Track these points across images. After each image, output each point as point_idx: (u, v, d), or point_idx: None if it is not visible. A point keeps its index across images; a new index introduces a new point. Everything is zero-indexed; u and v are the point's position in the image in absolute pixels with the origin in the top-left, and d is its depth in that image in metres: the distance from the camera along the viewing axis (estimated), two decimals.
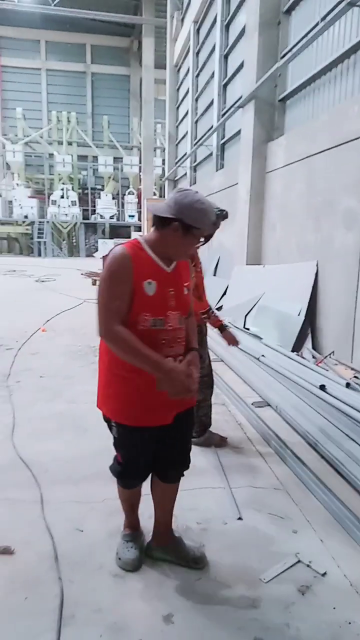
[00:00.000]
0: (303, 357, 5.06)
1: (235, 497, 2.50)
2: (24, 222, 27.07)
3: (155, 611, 1.73)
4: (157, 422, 1.78)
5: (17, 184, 28.10)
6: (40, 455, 2.92)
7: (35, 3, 23.05)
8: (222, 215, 2.64)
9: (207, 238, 1.76)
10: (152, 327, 1.67)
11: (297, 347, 5.34)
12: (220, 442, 3.13)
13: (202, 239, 1.77)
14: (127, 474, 1.90)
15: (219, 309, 8.18)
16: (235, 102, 8.59)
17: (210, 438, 3.14)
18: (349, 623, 1.71)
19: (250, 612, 1.75)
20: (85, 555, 2.00)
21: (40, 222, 26.93)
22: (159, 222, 1.67)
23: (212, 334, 3.35)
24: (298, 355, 5.14)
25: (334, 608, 1.78)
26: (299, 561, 2.02)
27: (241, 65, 8.80)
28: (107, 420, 1.86)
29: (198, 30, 13.75)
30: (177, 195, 1.65)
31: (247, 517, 2.34)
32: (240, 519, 2.32)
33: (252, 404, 3.85)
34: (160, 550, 2.00)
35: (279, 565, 1.99)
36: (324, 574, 1.95)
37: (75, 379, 4.52)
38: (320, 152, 5.44)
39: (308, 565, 1.99)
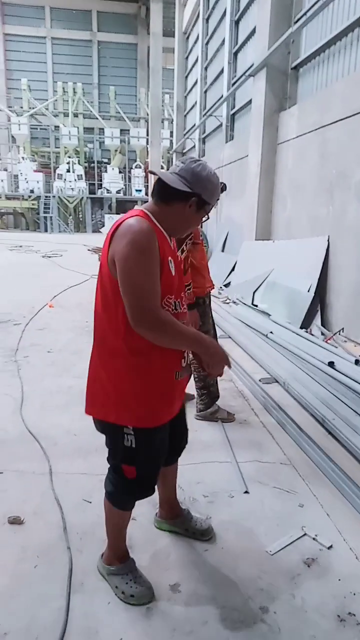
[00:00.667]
0: (312, 334, 5.03)
1: (242, 471, 2.51)
2: (29, 196, 26.81)
3: (162, 580, 1.76)
4: (175, 413, 1.66)
5: (23, 158, 27.73)
6: (49, 428, 2.95)
7: None
8: (223, 188, 2.59)
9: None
10: (174, 312, 1.51)
11: (306, 323, 5.30)
12: (227, 418, 3.14)
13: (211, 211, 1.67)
14: (142, 488, 1.65)
15: (227, 285, 8.12)
16: (247, 71, 8.32)
17: (218, 412, 3.15)
18: (354, 594, 1.73)
19: (256, 582, 1.77)
20: (93, 526, 2.02)
21: (46, 196, 26.67)
22: (169, 194, 1.48)
23: (221, 310, 3.31)
24: (307, 332, 5.10)
25: (339, 580, 1.80)
26: (305, 534, 2.04)
27: (253, 32, 8.48)
28: (113, 429, 1.58)
29: None
30: (194, 167, 1.48)
31: (254, 490, 2.36)
32: (246, 492, 2.34)
33: (260, 380, 3.84)
34: (168, 522, 2.02)
35: (285, 538, 2.01)
36: (329, 547, 1.96)
37: (83, 354, 4.53)
38: (335, 122, 5.27)
39: (314, 539, 2.01)
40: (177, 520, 2.01)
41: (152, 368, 1.50)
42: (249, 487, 2.38)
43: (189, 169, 1.48)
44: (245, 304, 6.40)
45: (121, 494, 1.65)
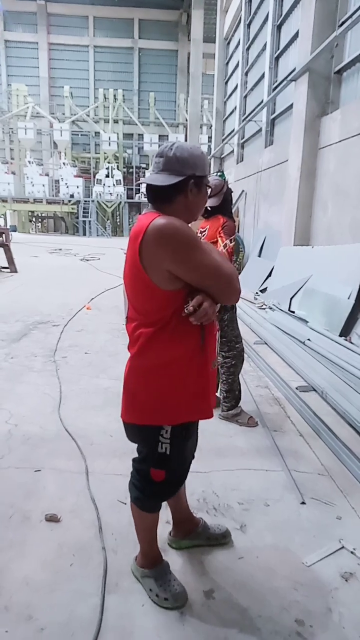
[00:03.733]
0: (352, 342, 4.90)
1: (278, 479, 2.47)
2: (69, 201, 27.49)
3: (196, 586, 1.75)
4: (213, 406, 1.62)
5: (64, 163, 28.49)
6: (86, 428, 3.00)
7: None
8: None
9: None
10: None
11: (345, 331, 5.17)
12: (248, 423, 3.10)
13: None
14: (169, 490, 1.65)
15: (263, 290, 8.04)
16: (288, 75, 8.23)
17: (240, 415, 3.12)
18: None
19: (292, 594, 1.74)
20: (128, 527, 2.03)
21: (85, 201, 27.29)
22: (167, 194, 1.43)
23: (256, 316, 3.29)
24: (346, 340, 4.98)
25: None
26: (342, 547, 1.99)
27: (295, 36, 8.40)
28: (149, 432, 1.56)
29: (250, 0, 13.20)
30: (173, 152, 1.41)
31: (289, 500, 2.31)
32: (303, 503, 2.29)
33: (297, 388, 3.77)
34: (187, 539, 1.95)
35: (322, 550, 1.96)
36: None
37: (119, 356, 4.59)
38: None
39: (352, 552, 1.95)
40: (195, 533, 1.95)
41: (192, 362, 1.50)
42: (285, 496, 2.33)
43: (170, 157, 1.41)
44: (281, 310, 6.31)
45: (148, 497, 1.65)
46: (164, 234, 1.33)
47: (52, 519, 2.10)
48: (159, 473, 1.59)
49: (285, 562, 1.90)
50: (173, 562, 1.84)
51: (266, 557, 1.91)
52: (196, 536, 1.95)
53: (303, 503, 2.28)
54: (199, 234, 2.95)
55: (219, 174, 3.00)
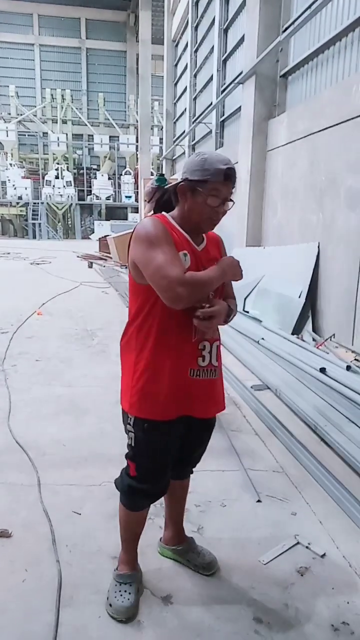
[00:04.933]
0: (303, 340, 5.04)
1: (234, 479, 2.49)
2: (17, 203, 26.70)
3: (154, 592, 1.73)
4: (184, 413, 1.58)
5: (11, 164, 27.65)
6: (37, 438, 2.89)
7: None
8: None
9: (225, 198, 1.49)
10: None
11: (297, 330, 5.31)
12: None
13: (219, 199, 1.48)
14: (140, 488, 1.63)
15: None
16: (235, 78, 8.38)
17: None
18: (348, 603, 1.71)
19: (249, 593, 1.75)
20: (83, 538, 1.98)
21: (34, 203, 26.61)
22: (175, 196, 1.56)
23: None
24: (298, 338, 5.11)
25: (333, 588, 1.78)
26: (298, 543, 2.02)
27: (242, 40, 8.56)
28: (124, 419, 1.63)
29: (197, 3, 13.35)
30: (188, 160, 1.52)
31: (246, 499, 2.33)
32: (259, 501, 2.30)
33: (252, 387, 3.83)
34: (171, 550, 1.92)
35: (278, 547, 1.99)
36: (323, 556, 1.94)
37: (72, 362, 4.49)
38: (324, 129, 5.32)
39: (307, 547, 1.99)
40: (180, 548, 1.90)
41: (163, 363, 1.52)
42: (241, 495, 2.35)
43: (185, 164, 1.52)
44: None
45: (123, 490, 1.67)
46: (135, 229, 1.50)
47: (3, 534, 2.01)
48: (131, 465, 1.62)
49: (242, 561, 1.91)
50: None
51: (224, 558, 1.91)
52: (178, 552, 1.90)
53: (259, 501, 2.31)
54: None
55: (156, 179, 2.85)
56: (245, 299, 6.58)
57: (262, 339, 4.98)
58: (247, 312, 6.26)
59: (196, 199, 1.47)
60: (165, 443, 1.59)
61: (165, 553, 1.93)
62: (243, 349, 4.83)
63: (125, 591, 1.67)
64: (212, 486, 2.42)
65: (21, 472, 2.50)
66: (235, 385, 3.92)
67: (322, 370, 3.84)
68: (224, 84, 10.42)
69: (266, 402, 3.48)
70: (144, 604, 1.68)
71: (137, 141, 26.69)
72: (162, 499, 1.81)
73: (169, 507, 1.91)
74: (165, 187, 1.65)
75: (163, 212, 1.58)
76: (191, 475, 1.90)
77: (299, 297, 5.43)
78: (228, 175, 1.45)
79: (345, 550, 1.98)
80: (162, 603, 1.69)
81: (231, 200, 1.52)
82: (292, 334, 5.22)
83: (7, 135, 27.77)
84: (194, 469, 1.88)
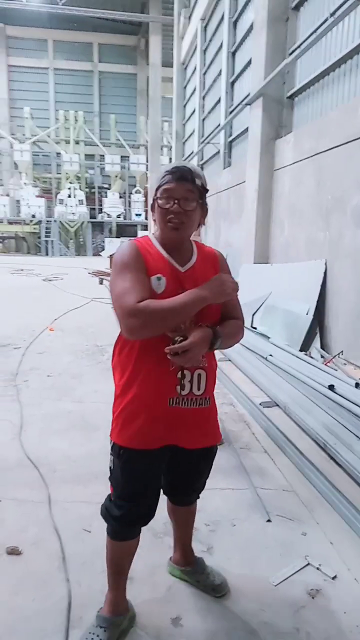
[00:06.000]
0: (311, 357, 5.02)
1: (244, 498, 2.48)
2: (31, 221, 27.17)
3: (163, 613, 1.72)
4: (167, 442, 1.52)
5: (25, 184, 28.21)
6: (48, 454, 2.91)
7: (42, 2, 23.13)
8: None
9: (179, 198, 1.42)
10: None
11: (305, 346, 5.30)
12: None
13: (170, 198, 1.43)
14: (119, 515, 1.55)
15: None
16: (243, 100, 8.54)
17: None
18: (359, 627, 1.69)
19: (259, 615, 1.73)
20: (93, 556, 1.98)
21: (47, 221, 27.03)
22: None
23: None
24: (306, 354, 5.10)
25: (345, 612, 1.76)
26: (308, 564, 2.00)
27: (249, 63, 8.74)
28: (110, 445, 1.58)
29: (205, 27, 13.69)
30: None
31: (255, 518, 2.32)
32: (269, 520, 2.29)
33: (260, 404, 3.82)
34: (181, 571, 1.90)
35: (288, 568, 1.97)
36: (334, 578, 1.92)
37: (83, 378, 4.52)
38: (330, 149, 5.39)
39: (318, 568, 1.97)
40: (189, 569, 1.88)
41: (140, 390, 1.47)
42: (251, 515, 2.34)
43: None
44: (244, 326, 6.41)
45: (103, 513, 1.61)
46: (117, 249, 1.50)
47: (13, 552, 2.01)
48: (110, 489, 1.59)
49: (252, 583, 1.89)
50: (139, 590, 1.80)
51: (233, 579, 1.90)
52: (187, 572, 1.88)
53: (269, 521, 2.29)
54: None
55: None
56: (253, 315, 6.59)
57: (270, 355, 4.97)
58: (255, 328, 6.27)
59: (157, 209, 1.47)
60: (142, 471, 1.52)
61: (174, 573, 1.92)
62: (251, 365, 4.83)
63: (97, 636, 1.56)
64: (222, 505, 2.41)
65: (32, 489, 2.52)
66: (244, 402, 3.91)
67: (331, 387, 3.82)
68: (232, 105, 10.62)
69: (275, 420, 3.47)
70: (154, 624, 1.67)
71: (147, 161, 27.17)
72: (168, 518, 1.80)
73: (176, 530, 1.89)
74: None
75: (147, 234, 1.59)
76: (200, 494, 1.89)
77: (307, 314, 5.43)
78: (173, 174, 1.41)
79: (356, 573, 1.96)
80: (172, 625, 1.68)
81: (193, 199, 1.43)
82: (300, 350, 5.21)
83: (22, 156, 28.39)
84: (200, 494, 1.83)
